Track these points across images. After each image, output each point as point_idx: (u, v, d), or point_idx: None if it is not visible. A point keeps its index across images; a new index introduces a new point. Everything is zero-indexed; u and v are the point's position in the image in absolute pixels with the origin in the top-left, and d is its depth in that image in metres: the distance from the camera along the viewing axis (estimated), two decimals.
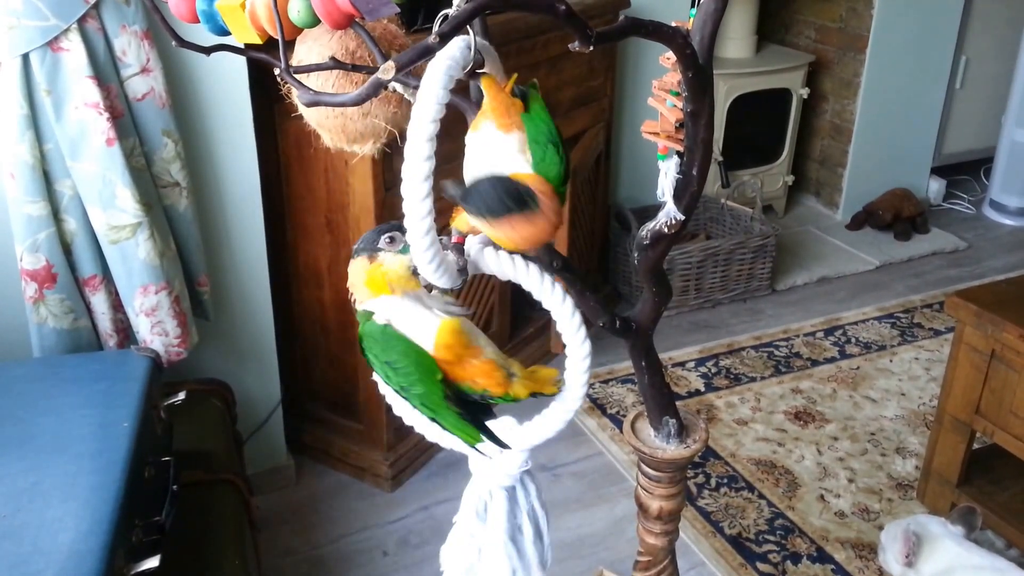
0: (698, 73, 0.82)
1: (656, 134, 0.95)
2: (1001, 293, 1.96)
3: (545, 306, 1.01)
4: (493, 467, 1.14)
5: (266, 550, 1.93)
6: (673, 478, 1.32)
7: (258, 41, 0.97)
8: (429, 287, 0.95)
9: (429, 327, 0.91)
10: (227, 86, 1.80)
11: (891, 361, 2.75)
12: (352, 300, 0.96)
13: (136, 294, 1.65)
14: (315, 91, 0.89)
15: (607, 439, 2.37)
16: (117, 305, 1.69)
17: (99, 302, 1.67)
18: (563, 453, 2.30)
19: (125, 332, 1.73)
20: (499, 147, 0.91)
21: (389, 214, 1.96)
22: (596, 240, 2.89)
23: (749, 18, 3.33)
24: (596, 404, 2.51)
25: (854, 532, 2.07)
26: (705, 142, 0.90)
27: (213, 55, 1.02)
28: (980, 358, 1.92)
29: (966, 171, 3.96)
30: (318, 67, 1.04)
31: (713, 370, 2.68)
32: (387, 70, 0.67)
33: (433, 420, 0.95)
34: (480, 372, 0.91)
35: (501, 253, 0.97)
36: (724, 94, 3.21)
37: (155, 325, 1.66)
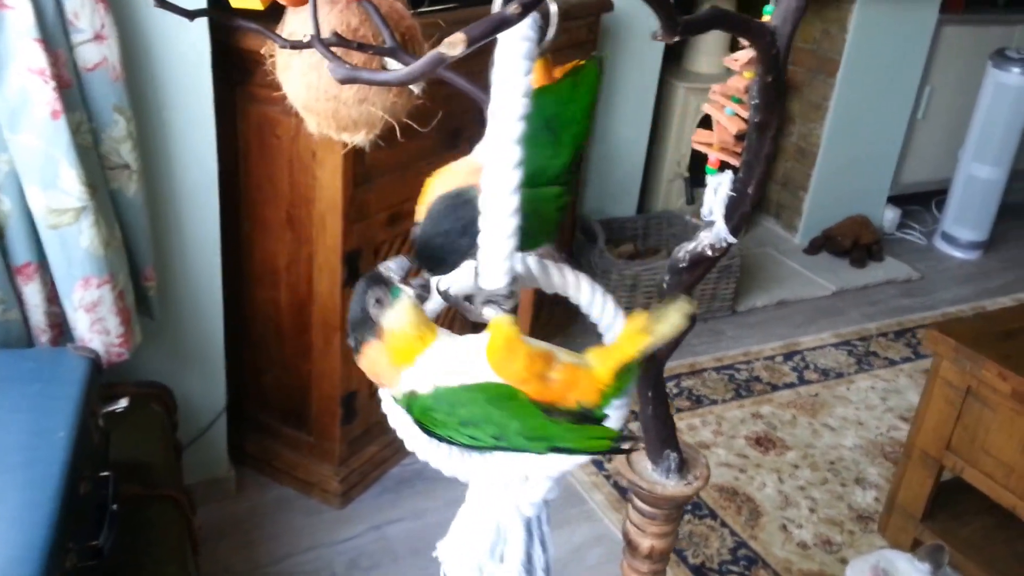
0: (777, 79, 0.73)
1: (709, 145, 0.86)
2: (979, 328, 1.93)
3: (596, 320, 0.90)
4: (511, 495, 1.03)
5: (202, 568, 1.79)
6: (669, 516, 1.23)
7: (259, 6, 0.85)
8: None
9: (477, 350, 0.78)
10: (187, 62, 1.66)
11: (848, 389, 2.72)
12: (381, 390, 0.82)
13: (76, 287, 1.49)
14: (351, 64, 0.77)
15: None
16: (52, 297, 1.54)
17: (32, 293, 1.51)
18: None
19: (60, 328, 1.57)
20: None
21: (358, 212, 1.83)
22: (560, 251, 2.80)
23: (722, 33, 3.28)
24: None
25: (817, 564, 2.02)
26: (768, 158, 0.81)
27: (176, 26, 0.89)
28: (955, 393, 1.88)
29: (918, 202, 3.99)
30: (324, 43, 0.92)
31: (675, 390, 2.62)
32: (453, 44, 0.56)
33: (552, 450, 0.81)
34: (565, 384, 0.77)
35: (555, 266, 0.85)
36: (694, 109, 3.16)
37: (95, 322, 1.51)
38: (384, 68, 1.09)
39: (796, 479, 2.29)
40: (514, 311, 0.80)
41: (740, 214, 0.92)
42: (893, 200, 3.83)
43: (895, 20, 3.33)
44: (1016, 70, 3.45)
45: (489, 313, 0.80)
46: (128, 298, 1.57)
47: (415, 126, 1.08)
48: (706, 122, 0.93)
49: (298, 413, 2.07)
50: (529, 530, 1.03)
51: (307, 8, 0.97)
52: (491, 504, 1.01)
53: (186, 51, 1.64)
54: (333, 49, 0.95)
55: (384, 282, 0.75)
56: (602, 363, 0.80)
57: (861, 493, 2.26)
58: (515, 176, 0.73)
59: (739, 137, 0.83)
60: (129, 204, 1.58)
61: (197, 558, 1.56)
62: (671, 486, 1.20)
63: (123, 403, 1.42)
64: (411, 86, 1.00)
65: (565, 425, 0.79)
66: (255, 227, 1.94)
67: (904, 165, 3.80)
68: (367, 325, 0.76)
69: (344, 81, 0.77)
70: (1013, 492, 1.78)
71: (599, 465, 2.25)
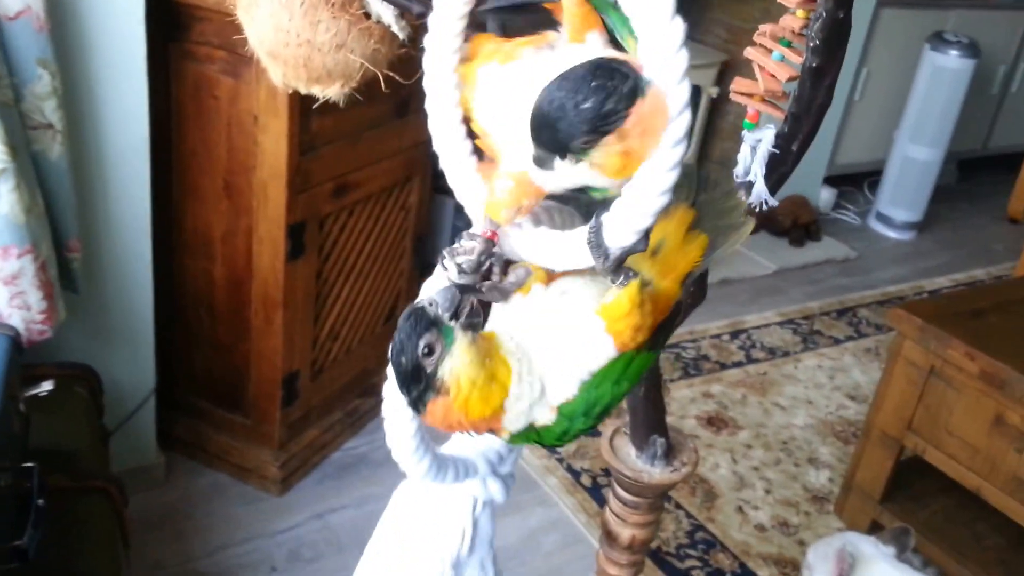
0: (848, 14, 0.65)
1: (750, 96, 0.77)
2: (943, 308, 1.92)
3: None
4: (478, 474, 0.94)
5: (132, 563, 1.65)
6: (652, 505, 1.16)
7: None
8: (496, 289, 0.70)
9: (578, 341, 0.66)
10: (119, 13, 1.50)
11: (795, 368, 2.71)
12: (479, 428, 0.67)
13: None
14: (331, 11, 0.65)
15: None
16: None
17: None
18: None
19: None
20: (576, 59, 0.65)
21: (303, 180, 1.70)
22: None
23: None
24: None
25: (775, 547, 1.98)
26: (822, 109, 0.73)
27: None
28: (918, 373, 1.86)
29: (852, 183, 4.02)
30: None
31: None
32: None
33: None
34: (655, 317, 0.68)
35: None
36: None
37: (15, 296, 1.35)
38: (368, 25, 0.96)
39: (750, 459, 2.26)
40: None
41: (780, 174, 0.84)
42: (828, 181, 3.85)
43: None
44: (953, 53, 3.48)
45: (618, 280, 0.67)
46: (51, 270, 1.42)
47: (398, 78, 0.96)
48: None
49: (234, 395, 1.93)
50: (494, 512, 0.95)
51: None
52: (454, 495, 0.92)
53: (118, 0, 1.48)
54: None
55: (432, 323, 0.61)
56: (664, 277, 0.70)
57: (815, 473, 2.24)
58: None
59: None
60: (53, 168, 1.42)
61: (128, 553, 1.42)
62: (657, 473, 1.13)
63: (47, 386, 1.28)
64: (397, 30, 0.89)
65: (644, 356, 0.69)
66: (189, 196, 1.79)
67: (840, 146, 3.82)
68: (424, 381, 0.62)
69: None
70: (977, 473, 1.77)
71: (551, 448, 2.17)
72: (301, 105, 1.62)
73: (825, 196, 3.83)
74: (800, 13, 0.75)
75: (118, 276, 1.69)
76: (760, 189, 0.77)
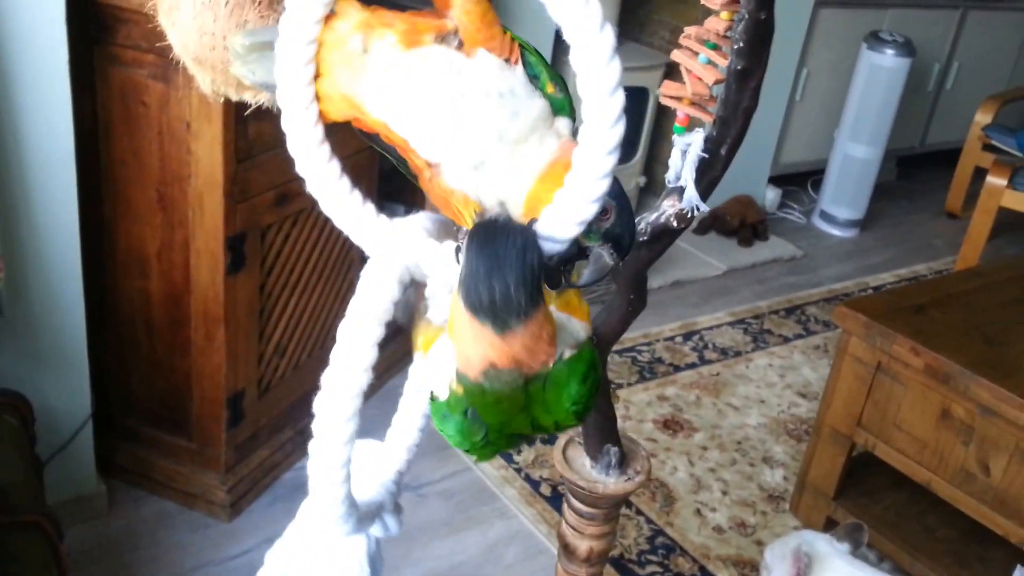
0: (770, 16, 0.63)
1: (679, 99, 0.75)
2: (887, 304, 1.93)
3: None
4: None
5: None
6: (608, 515, 1.14)
7: None
8: None
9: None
10: (38, 14, 1.43)
11: (747, 367, 2.72)
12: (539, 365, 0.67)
13: None
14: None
15: None
16: None
17: None
18: (428, 470, 2.06)
19: None
20: (496, 82, 0.65)
21: (241, 190, 1.65)
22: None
23: (610, 12, 3.22)
24: None
25: (734, 548, 1.98)
26: (748, 112, 0.71)
27: None
28: (865, 370, 1.87)
29: (796, 182, 4.07)
30: None
31: None
32: None
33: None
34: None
35: None
36: None
37: None
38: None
39: (706, 461, 2.25)
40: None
41: (710, 179, 0.82)
42: (773, 180, 3.89)
43: None
44: (889, 52, 3.54)
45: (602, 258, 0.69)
46: None
47: None
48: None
49: (176, 417, 1.86)
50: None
51: None
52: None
53: (35, 2, 1.42)
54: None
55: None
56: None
57: (770, 472, 2.24)
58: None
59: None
60: None
61: None
62: (611, 483, 1.11)
63: None
64: None
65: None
66: (120, 209, 1.72)
67: (783, 146, 3.85)
68: (538, 296, 0.62)
69: None
70: (926, 467, 1.78)
71: (508, 458, 2.14)
72: (237, 110, 1.56)
73: (771, 196, 3.86)
74: (724, 15, 0.73)
75: (47, 296, 1.62)
76: (691, 194, 0.76)
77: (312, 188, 0.76)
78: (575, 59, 0.62)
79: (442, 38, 0.67)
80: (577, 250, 0.67)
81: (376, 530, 0.90)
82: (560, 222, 0.69)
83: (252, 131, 1.63)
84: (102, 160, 1.69)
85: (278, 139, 1.83)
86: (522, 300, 0.60)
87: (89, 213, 1.70)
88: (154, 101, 1.59)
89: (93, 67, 1.61)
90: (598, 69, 0.62)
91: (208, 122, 1.56)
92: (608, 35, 0.61)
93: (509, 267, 0.60)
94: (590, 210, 0.67)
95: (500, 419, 0.68)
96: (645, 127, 3.39)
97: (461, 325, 0.63)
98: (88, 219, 1.69)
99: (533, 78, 0.67)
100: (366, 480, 0.90)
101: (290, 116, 0.73)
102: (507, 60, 0.65)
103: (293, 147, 0.74)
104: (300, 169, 0.75)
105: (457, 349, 0.65)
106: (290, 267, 1.88)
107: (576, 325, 0.70)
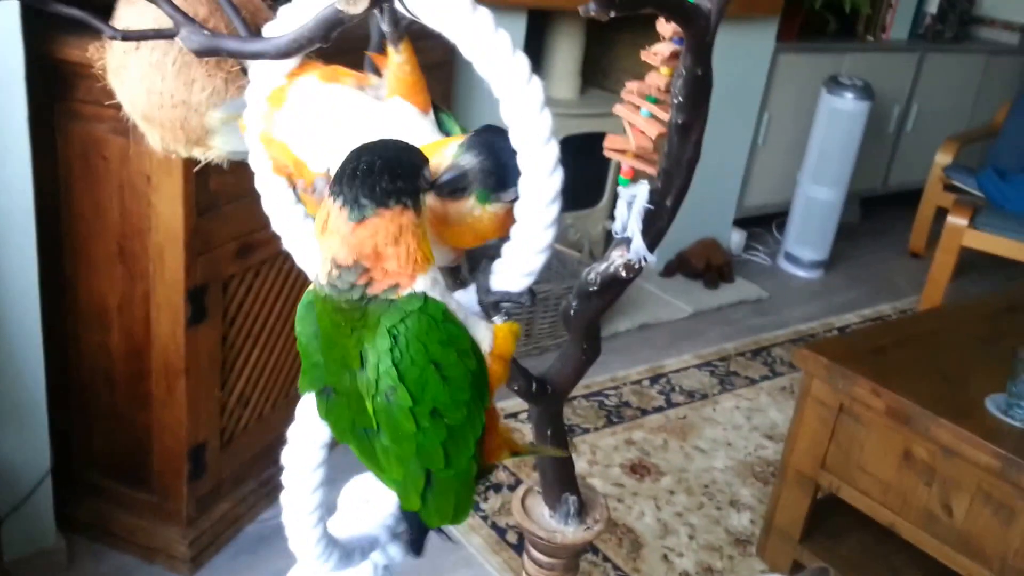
0: (707, 72, 0.65)
1: (623, 152, 0.77)
2: (848, 346, 1.96)
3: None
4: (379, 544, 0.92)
5: None
6: (568, 565, 1.13)
7: None
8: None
9: (481, 325, 0.70)
10: None
11: (714, 410, 2.73)
12: (360, 280, 0.63)
13: None
14: (209, 30, 0.63)
15: None
16: None
17: None
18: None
19: None
20: (412, 129, 0.71)
21: (202, 242, 1.65)
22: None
23: (574, 59, 3.28)
24: None
25: None
26: (691, 164, 0.73)
27: None
28: (827, 412, 1.89)
29: (761, 224, 4.12)
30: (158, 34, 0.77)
31: None
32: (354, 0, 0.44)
33: (444, 475, 0.69)
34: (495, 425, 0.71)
35: None
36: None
37: None
38: (240, 77, 0.94)
39: (673, 505, 2.25)
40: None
41: (657, 229, 0.84)
42: (738, 223, 3.94)
43: (734, 49, 3.43)
44: (848, 95, 3.62)
45: (497, 319, 0.73)
46: None
47: None
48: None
49: (136, 471, 1.84)
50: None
51: None
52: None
53: None
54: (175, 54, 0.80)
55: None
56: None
57: (736, 516, 2.25)
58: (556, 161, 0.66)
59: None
60: None
61: None
62: (570, 533, 1.10)
63: None
64: None
65: (473, 468, 0.70)
66: (80, 263, 1.72)
67: (747, 189, 3.92)
68: (411, 185, 0.61)
69: (201, 52, 0.64)
70: (890, 508, 1.79)
71: (476, 506, 2.13)
72: (198, 163, 1.57)
73: (736, 238, 3.91)
74: (664, 71, 0.76)
75: (6, 351, 1.61)
76: (638, 245, 0.77)
77: (287, 245, 0.84)
78: (505, 113, 0.65)
79: (360, 87, 0.73)
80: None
81: (379, 557, 0.92)
82: (510, 275, 0.73)
83: (214, 183, 1.64)
84: (63, 215, 1.69)
85: (240, 191, 1.85)
86: (384, 184, 0.59)
87: (49, 267, 1.70)
88: (114, 155, 1.60)
89: (55, 123, 1.62)
90: (530, 120, 0.65)
91: (168, 175, 1.57)
92: (536, 87, 0.64)
93: (383, 150, 0.61)
94: (539, 261, 0.71)
95: (333, 358, 0.66)
96: (611, 172, 3.44)
97: (321, 216, 0.62)
98: (48, 273, 1.69)
99: (444, 133, 0.73)
100: (362, 515, 0.92)
101: (261, 178, 0.79)
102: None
103: (267, 206, 0.80)
104: (275, 227, 0.81)
105: (318, 256, 0.64)
106: (253, 317, 1.87)
107: (464, 299, 0.71)
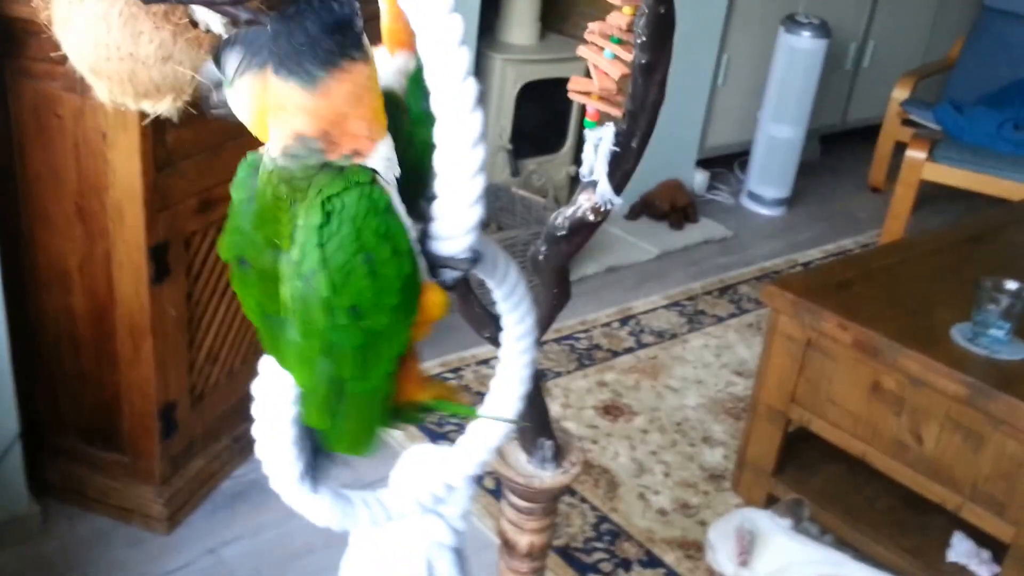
0: (669, 9, 0.64)
1: (587, 94, 0.75)
2: (813, 282, 1.98)
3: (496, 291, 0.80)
4: (428, 520, 0.89)
5: None
6: (547, 509, 1.14)
7: None
8: None
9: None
10: None
11: (684, 349, 2.76)
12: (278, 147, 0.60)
13: None
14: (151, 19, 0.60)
15: None
16: None
17: None
18: (369, 469, 2.04)
19: None
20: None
21: (162, 199, 1.61)
22: None
23: (532, 4, 3.22)
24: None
25: (679, 531, 2.01)
26: (656, 105, 0.72)
27: None
28: (795, 347, 1.91)
29: (723, 164, 4.13)
30: None
31: None
32: None
33: (356, 389, 0.65)
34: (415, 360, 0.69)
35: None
36: (512, 81, 3.08)
37: None
38: (196, 33, 0.91)
39: (647, 444, 2.28)
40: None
41: (623, 171, 0.83)
42: (701, 163, 3.94)
43: None
44: (806, 34, 3.61)
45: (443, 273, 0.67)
46: None
47: None
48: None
49: (107, 432, 1.82)
50: (462, 558, 0.91)
51: None
52: (404, 538, 0.87)
53: None
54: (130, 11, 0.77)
55: None
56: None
57: (710, 452, 2.28)
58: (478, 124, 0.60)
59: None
60: None
61: None
62: (548, 477, 1.11)
63: None
64: (223, 34, 0.83)
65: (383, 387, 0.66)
66: (38, 224, 1.67)
67: (708, 130, 3.91)
68: (349, 37, 0.56)
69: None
70: (861, 439, 1.83)
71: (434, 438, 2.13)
72: (154, 119, 1.53)
73: (699, 179, 3.91)
74: (626, 10, 0.74)
75: None
76: (605, 188, 0.76)
77: None
78: (420, 46, 0.60)
79: None
80: None
81: (444, 534, 0.89)
82: (447, 233, 0.67)
83: (171, 138, 1.59)
84: (18, 175, 1.63)
85: (198, 145, 1.81)
86: (329, 44, 0.55)
87: (7, 230, 1.65)
88: (68, 113, 1.54)
89: (4, 82, 1.55)
90: (444, 56, 0.59)
91: (124, 131, 1.52)
92: (455, 21, 0.59)
93: (313, 13, 0.54)
94: (474, 215, 0.66)
95: (263, 232, 0.61)
96: (572, 118, 3.41)
97: (270, 97, 0.58)
98: (6, 236, 1.64)
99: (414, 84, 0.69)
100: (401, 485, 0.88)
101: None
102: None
103: None
104: None
105: (271, 134, 0.60)
106: (218, 273, 1.84)
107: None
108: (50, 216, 1.65)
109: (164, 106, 0.87)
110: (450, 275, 0.66)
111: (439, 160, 0.63)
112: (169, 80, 0.85)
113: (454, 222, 0.65)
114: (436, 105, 0.61)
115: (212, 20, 0.79)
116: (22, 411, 1.73)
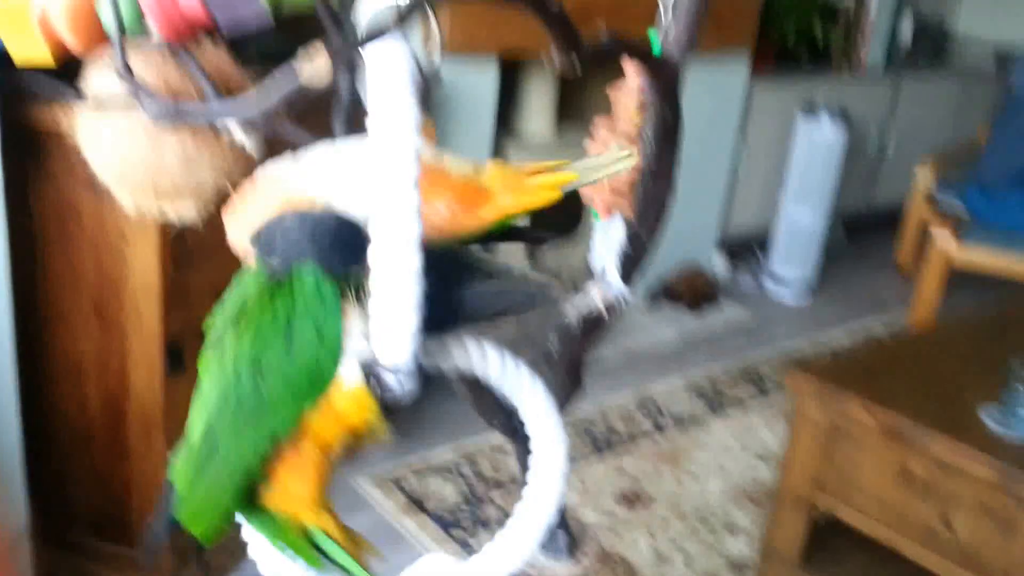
0: (676, 117, 0.64)
1: (597, 191, 0.75)
2: (837, 366, 1.95)
3: (513, 401, 0.75)
4: None
5: None
6: None
7: (48, 60, 0.68)
8: None
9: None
10: None
11: (705, 434, 2.71)
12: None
13: None
14: (171, 100, 0.61)
15: (430, 542, 2.10)
16: None
17: None
18: (377, 564, 1.99)
19: None
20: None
21: (181, 295, 1.62)
22: None
23: (549, 97, 3.29)
24: (413, 501, 2.24)
25: None
26: (664, 202, 0.72)
27: None
28: (821, 433, 1.87)
29: (745, 249, 4.12)
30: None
31: None
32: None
33: (221, 464, 0.64)
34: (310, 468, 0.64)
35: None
36: None
37: None
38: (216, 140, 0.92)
39: (667, 532, 2.22)
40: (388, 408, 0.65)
41: (634, 265, 0.83)
42: (722, 247, 3.94)
43: (709, 82, 3.44)
44: (826, 121, 3.65)
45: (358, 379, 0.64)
46: None
47: None
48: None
49: (116, 525, 1.80)
50: None
51: (110, 58, 0.80)
52: None
53: None
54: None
55: None
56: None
57: (732, 540, 2.21)
58: (414, 227, 0.58)
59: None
60: None
61: None
62: (560, 569, 1.08)
63: None
64: (246, 143, 0.85)
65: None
66: (56, 322, 1.69)
67: (730, 215, 3.92)
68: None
69: (161, 118, 0.62)
70: (889, 526, 1.77)
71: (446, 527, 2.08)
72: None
73: (720, 262, 3.91)
74: (634, 116, 0.75)
75: None
76: (617, 285, 0.76)
77: None
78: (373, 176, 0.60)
79: None
80: None
81: None
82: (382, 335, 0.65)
83: (190, 236, 1.61)
84: (38, 275, 1.66)
85: (216, 245, 1.83)
86: None
87: (27, 324, 1.67)
88: (89, 214, 1.58)
89: (28, 184, 1.60)
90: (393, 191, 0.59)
91: (143, 232, 1.56)
92: (410, 165, 0.58)
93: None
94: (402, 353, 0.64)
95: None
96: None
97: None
98: (24, 330, 1.66)
99: None
100: None
101: None
102: None
103: None
104: None
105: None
106: None
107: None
108: (67, 312, 1.67)
109: (186, 211, 0.88)
110: (378, 384, 0.63)
111: (375, 263, 0.62)
112: (191, 186, 0.86)
113: (388, 326, 0.62)
114: (376, 205, 0.61)
115: (231, 125, 0.81)
116: (32, 504, 1.71)
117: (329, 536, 0.69)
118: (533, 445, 0.75)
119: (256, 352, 0.61)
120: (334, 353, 0.62)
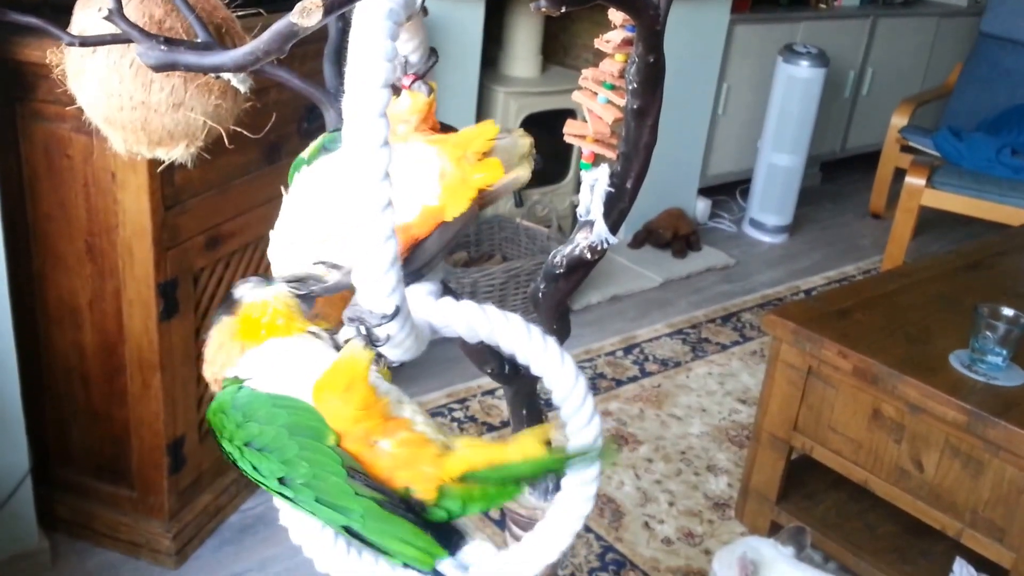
0: (659, 58, 0.67)
1: (582, 137, 0.78)
2: (814, 310, 1.99)
3: (535, 370, 0.77)
4: None
5: None
6: None
7: None
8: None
9: (314, 366, 0.65)
10: None
11: (687, 377, 2.77)
12: (215, 383, 0.68)
13: None
14: (165, 46, 0.63)
15: None
16: None
17: None
18: None
19: None
20: (424, 164, 0.70)
21: (170, 236, 1.64)
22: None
23: (534, 37, 3.28)
24: None
25: (683, 559, 2.02)
26: (648, 147, 0.75)
27: None
28: (797, 375, 1.93)
29: (725, 192, 4.17)
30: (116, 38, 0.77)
31: None
32: (308, 11, 0.44)
33: (348, 531, 0.64)
34: (400, 458, 0.63)
35: (469, 304, 0.73)
36: (515, 113, 3.12)
37: None
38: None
39: (652, 473, 2.29)
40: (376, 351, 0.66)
41: (619, 211, 0.86)
42: (703, 192, 3.98)
43: (690, 22, 3.44)
44: (804, 63, 3.66)
45: (349, 333, 0.66)
46: None
47: (246, 133, 0.94)
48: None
49: (116, 467, 1.84)
50: None
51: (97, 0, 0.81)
52: None
53: None
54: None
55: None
56: (464, 453, 0.66)
57: (714, 480, 2.29)
58: (383, 159, 0.59)
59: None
60: None
61: None
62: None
63: None
64: (238, 84, 0.86)
65: (372, 506, 0.62)
66: (48, 262, 1.70)
67: (710, 158, 3.95)
68: (226, 303, 0.69)
69: (159, 68, 0.64)
70: (862, 466, 1.84)
71: None
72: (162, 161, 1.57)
73: (701, 207, 3.95)
74: (618, 57, 0.77)
75: None
76: (600, 228, 0.79)
77: None
78: (345, 140, 0.59)
79: None
80: None
81: None
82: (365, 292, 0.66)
83: (179, 177, 1.63)
84: (29, 215, 1.67)
85: (206, 183, 1.84)
86: None
87: (20, 267, 1.68)
88: (78, 154, 1.58)
89: (16, 123, 1.60)
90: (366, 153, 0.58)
91: (133, 172, 1.56)
92: (381, 124, 0.57)
93: None
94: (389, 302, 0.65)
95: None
96: (575, 149, 3.45)
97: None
98: (18, 274, 1.67)
99: None
100: None
101: None
102: None
103: None
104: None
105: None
106: None
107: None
108: (61, 254, 1.68)
109: (177, 152, 0.90)
110: (359, 332, 0.64)
111: (351, 223, 0.62)
112: (181, 127, 0.88)
113: (368, 275, 0.63)
114: (349, 168, 0.60)
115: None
116: (32, 447, 1.75)
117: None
118: (555, 398, 0.76)
119: (268, 467, 0.65)
120: (297, 413, 0.65)
